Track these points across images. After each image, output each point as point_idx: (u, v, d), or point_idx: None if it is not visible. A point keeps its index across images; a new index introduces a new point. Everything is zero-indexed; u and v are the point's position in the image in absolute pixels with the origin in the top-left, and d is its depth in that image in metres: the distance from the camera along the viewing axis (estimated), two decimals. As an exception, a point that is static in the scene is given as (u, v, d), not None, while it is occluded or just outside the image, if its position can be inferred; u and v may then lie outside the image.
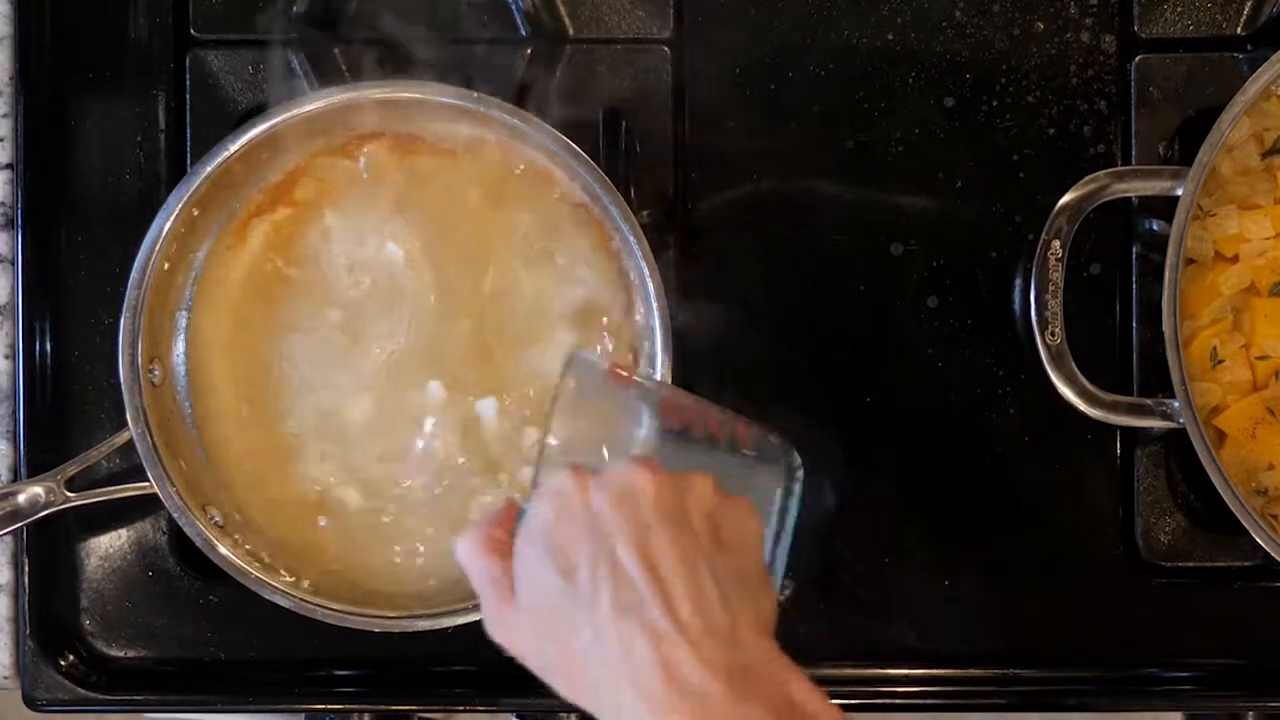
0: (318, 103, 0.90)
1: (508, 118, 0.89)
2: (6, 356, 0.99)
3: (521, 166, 0.92)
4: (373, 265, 0.92)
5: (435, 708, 1.00)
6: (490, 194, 0.92)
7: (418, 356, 0.92)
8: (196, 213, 0.91)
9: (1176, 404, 0.88)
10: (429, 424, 0.92)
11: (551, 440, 0.76)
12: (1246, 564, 0.96)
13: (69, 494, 0.92)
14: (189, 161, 0.97)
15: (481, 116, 0.90)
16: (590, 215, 0.92)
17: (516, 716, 1.00)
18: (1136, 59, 0.96)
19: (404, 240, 0.92)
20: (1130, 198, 0.94)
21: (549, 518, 0.72)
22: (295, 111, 0.90)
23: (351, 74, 0.98)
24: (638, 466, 0.72)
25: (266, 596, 0.90)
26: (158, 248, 0.89)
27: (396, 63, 0.97)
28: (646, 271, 0.89)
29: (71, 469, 0.92)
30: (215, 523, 0.91)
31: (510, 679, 0.97)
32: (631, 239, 0.89)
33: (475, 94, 0.89)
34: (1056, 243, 0.90)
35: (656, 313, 0.89)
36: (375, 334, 0.92)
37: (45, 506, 0.91)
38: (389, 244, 0.92)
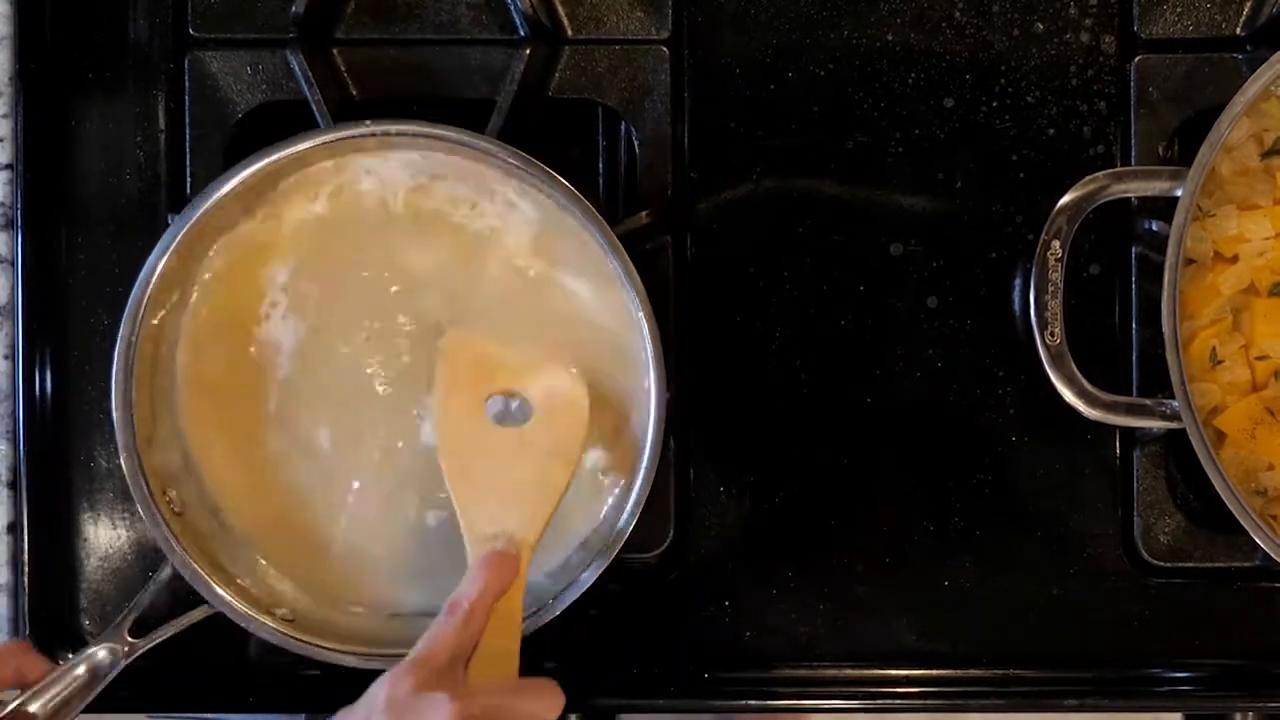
0: (309, 142, 0.89)
1: (478, 145, 0.88)
2: (6, 357, 0.99)
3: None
4: (370, 295, 0.92)
5: (435, 708, 1.00)
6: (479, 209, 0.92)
7: (417, 384, 0.92)
8: (176, 259, 0.89)
9: (1176, 404, 0.88)
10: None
11: None
12: (1246, 564, 0.96)
13: (134, 640, 0.90)
14: (188, 161, 0.97)
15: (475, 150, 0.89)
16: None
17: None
18: (1136, 59, 0.96)
19: (396, 267, 0.91)
20: (1130, 198, 0.94)
21: None
22: (283, 153, 0.89)
23: (350, 74, 0.98)
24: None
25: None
26: (144, 303, 0.88)
27: (394, 63, 0.97)
28: (627, 282, 0.87)
29: (130, 618, 0.90)
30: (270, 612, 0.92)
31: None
32: (603, 241, 0.87)
33: (470, 133, 0.88)
34: (1056, 243, 0.90)
35: (644, 321, 0.87)
36: (377, 371, 0.93)
37: (113, 666, 0.89)
38: (384, 274, 0.91)
